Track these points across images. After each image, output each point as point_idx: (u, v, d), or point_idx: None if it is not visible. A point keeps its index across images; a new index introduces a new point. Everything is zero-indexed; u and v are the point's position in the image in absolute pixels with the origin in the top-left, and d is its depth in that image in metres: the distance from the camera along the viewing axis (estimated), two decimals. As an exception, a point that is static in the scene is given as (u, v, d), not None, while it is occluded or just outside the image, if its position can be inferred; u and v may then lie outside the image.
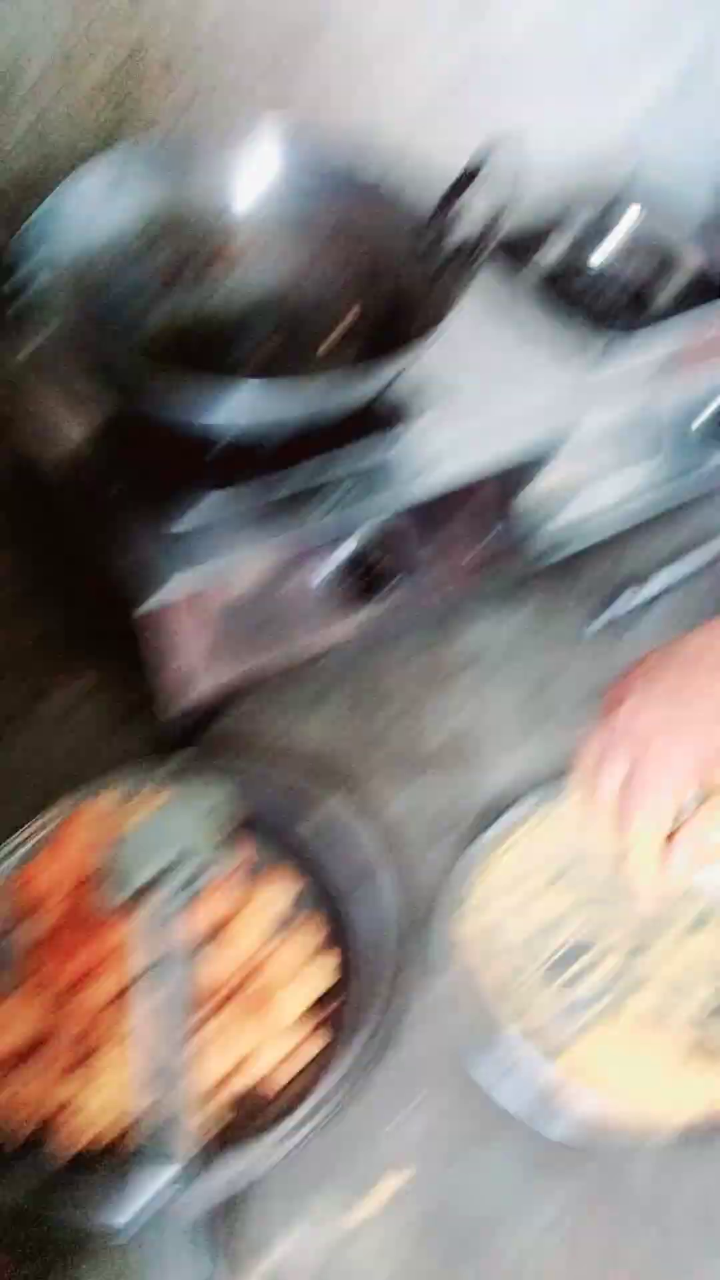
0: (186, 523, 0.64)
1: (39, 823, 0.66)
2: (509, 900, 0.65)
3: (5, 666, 0.78)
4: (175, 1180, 0.50)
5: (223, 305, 0.73)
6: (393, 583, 0.68)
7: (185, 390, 0.59)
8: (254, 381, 0.58)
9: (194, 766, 0.69)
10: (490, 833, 0.68)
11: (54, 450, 0.69)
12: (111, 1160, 0.55)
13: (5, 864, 0.65)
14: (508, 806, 0.69)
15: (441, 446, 0.70)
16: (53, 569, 0.79)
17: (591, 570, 0.83)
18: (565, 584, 0.83)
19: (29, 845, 0.65)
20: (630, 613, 0.81)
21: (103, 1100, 0.55)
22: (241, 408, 0.59)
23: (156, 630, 0.63)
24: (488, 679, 0.78)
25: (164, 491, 0.64)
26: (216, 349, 0.69)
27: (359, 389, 0.64)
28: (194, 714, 0.70)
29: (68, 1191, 0.54)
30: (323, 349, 0.71)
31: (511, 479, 0.72)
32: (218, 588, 0.63)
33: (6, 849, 0.65)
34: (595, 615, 0.80)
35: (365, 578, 0.68)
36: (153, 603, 0.61)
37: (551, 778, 0.69)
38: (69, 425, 0.69)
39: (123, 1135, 0.55)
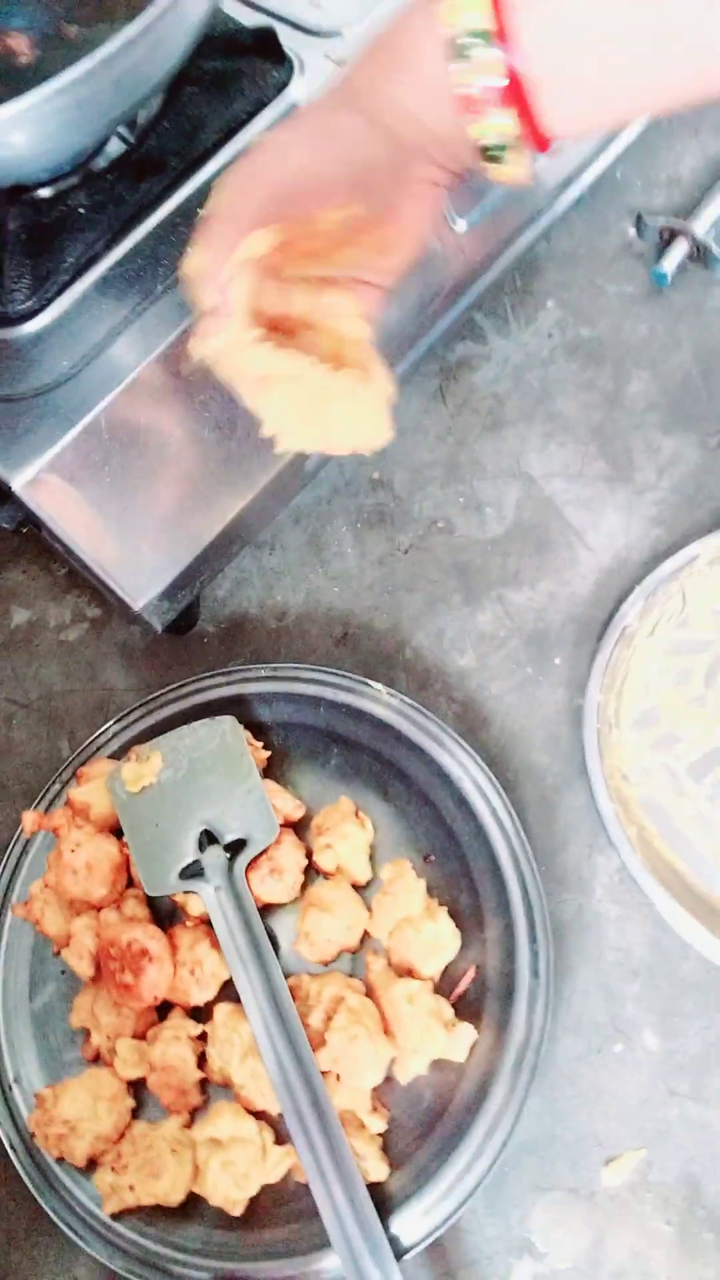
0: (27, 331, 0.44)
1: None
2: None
3: None
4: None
5: None
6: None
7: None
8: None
9: (190, 685, 0.51)
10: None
11: None
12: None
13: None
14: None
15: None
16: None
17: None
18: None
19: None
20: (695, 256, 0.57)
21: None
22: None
23: (52, 509, 0.43)
24: (530, 422, 0.56)
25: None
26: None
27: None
28: (171, 601, 0.51)
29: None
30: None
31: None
32: (112, 421, 0.43)
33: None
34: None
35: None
36: (29, 472, 0.42)
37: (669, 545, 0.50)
38: None
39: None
